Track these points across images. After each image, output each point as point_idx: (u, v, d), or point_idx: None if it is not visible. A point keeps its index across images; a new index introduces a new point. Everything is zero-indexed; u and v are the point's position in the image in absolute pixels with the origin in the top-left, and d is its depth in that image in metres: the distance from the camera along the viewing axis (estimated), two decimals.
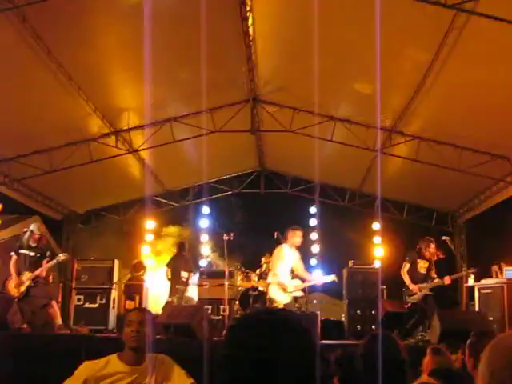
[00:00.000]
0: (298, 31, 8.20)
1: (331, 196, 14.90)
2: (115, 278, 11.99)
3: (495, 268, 11.21)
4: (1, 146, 9.91)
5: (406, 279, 10.02)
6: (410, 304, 10.13)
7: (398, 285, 10.69)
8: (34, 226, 9.72)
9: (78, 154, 10.37)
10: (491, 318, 9.58)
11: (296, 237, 9.57)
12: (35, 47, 7.45)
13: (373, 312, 11.25)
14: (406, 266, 10.10)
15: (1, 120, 9.05)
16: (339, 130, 10.35)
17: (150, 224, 14.51)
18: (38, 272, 9.34)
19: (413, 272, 10.00)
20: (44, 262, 9.46)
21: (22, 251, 9.43)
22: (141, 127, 10.65)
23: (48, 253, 9.65)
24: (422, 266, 10.06)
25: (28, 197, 12.24)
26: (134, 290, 12.44)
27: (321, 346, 1.50)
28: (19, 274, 9.30)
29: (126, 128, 10.61)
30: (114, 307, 11.71)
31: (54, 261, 9.53)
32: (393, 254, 13.52)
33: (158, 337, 8.08)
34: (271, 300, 9.48)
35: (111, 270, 11.96)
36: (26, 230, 9.73)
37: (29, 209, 12.56)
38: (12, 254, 9.47)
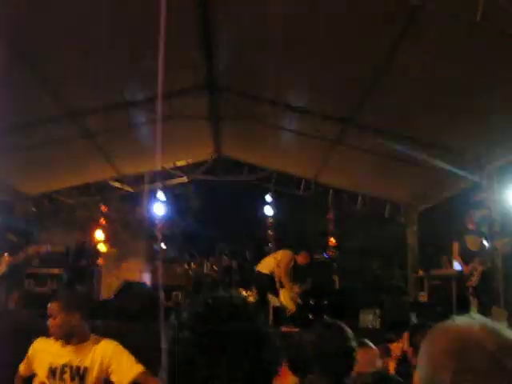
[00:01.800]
0: (259, 19, 8.16)
1: (286, 185, 14.94)
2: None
3: (445, 259, 11.44)
4: None
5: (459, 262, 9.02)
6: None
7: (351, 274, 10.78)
8: None
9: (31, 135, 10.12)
10: (439, 309, 9.80)
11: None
12: None
13: (325, 302, 11.37)
14: (456, 247, 9.19)
15: None
16: (296, 120, 10.37)
17: (103, 209, 14.34)
18: None
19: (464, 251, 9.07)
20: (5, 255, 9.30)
21: None
22: (96, 110, 10.46)
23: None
24: (473, 242, 9.21)
25: None
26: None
27: (271, 333, 1.50)
28: None
29: (80, 111, 10.41)
30: None
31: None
32: (346, 244, 13.68)
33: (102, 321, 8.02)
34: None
35: (64, 254, 11.80)
36: None
37: None
38: None
